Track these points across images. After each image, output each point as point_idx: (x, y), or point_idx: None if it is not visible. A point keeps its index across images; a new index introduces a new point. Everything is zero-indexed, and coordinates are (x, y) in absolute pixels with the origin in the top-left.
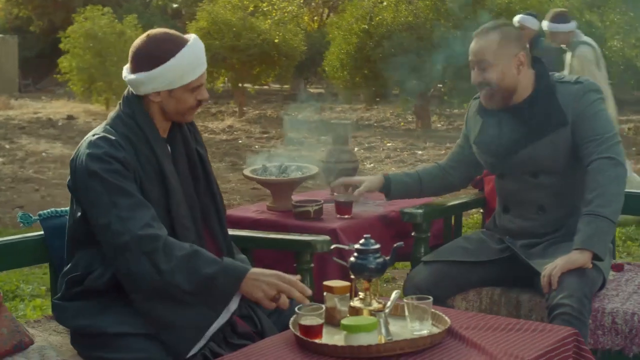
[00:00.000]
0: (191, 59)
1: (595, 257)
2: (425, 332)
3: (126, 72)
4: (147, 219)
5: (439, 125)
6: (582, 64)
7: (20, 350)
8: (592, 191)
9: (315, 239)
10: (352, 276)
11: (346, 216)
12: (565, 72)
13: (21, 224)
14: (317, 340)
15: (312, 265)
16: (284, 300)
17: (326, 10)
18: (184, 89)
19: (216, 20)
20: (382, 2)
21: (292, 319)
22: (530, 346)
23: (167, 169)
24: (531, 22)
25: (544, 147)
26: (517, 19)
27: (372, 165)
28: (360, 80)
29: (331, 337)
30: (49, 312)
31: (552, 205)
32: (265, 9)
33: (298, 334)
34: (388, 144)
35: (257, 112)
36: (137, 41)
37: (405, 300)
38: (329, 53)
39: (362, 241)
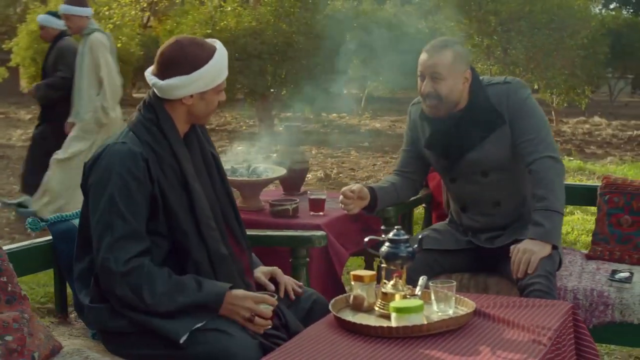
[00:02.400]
0: (222, 62)
1: (553, 247)
2: (451, 313)
3: (155, 79)
4: (135, 252)
5: (280, 128)
6: (97, 49)
7: (55, 354)
8: (543, 188)
9: (313, 234)
10: (384, 264)
11: (320, 213)
12: (79, 58)
13: (29, 230)
14: (370, 324)
15: (308, 259)
16: (258, 322)
17: (147, 14)
18: (214, 91)
19: None
20: (222, 8)
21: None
22: (547, 318)
23: (189, 172)
24: (55, 23)
25: (488, 147)
26: (41, 18)
27: None
28: None
29: (367, 320)
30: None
31: (506, 199)
32: (106, 13)
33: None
34: (239, 148)
35: None
36: (167, 49)
37: (431, 285)
38: None
39: (393, 232)
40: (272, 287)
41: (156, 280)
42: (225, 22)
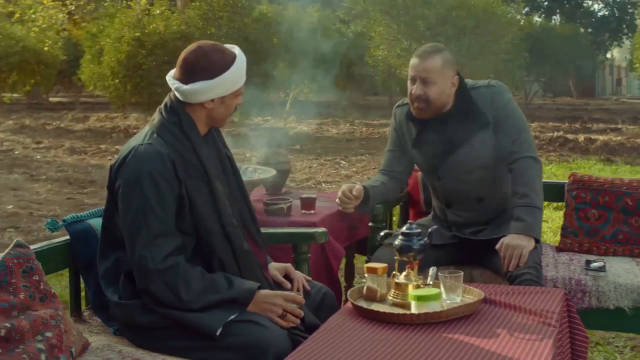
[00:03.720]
0: (242, 67)
1: (536, 240)
2: (459, 301)
3: (178, 84)
4: (171, 249)
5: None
6: None
7: (85, 350)
8: (525, 185)
9: (316, 231)
10: (397, 256)
11: (311, 211)
12: None
13: (48, 230)
14: (390, 311)
15: (309, 255)
16: (290, 319)
17: (60, 16)
18: (233, 96)
19: None
20: (148, 12)
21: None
22: (547, 303)
23: (212, 173)
24: None
25: (474, 147)
26: None
27: None
28: (132, 89)
29: (385, 309)
30: None
31: (489, 195)
32: (32, 16)
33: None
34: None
35: (11, 122)
36: (190, 54)
37: (440, 275)
38: (84, 61)
39: (406, 226)
40: (288, 285)
41: (191, 278)
42: (154, 25)
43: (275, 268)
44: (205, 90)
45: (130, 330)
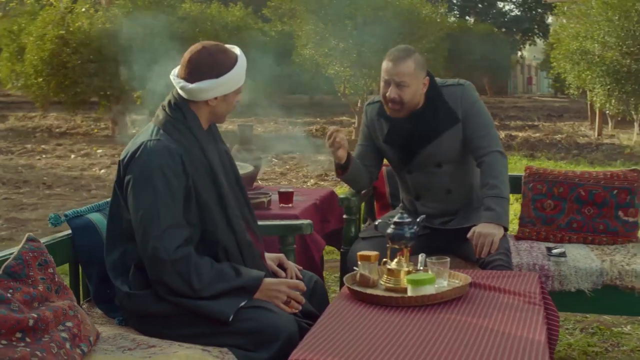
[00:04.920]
0: (243, 67)
1: (504, 229)
2: (446, 285)
3: (183, 82)
4: (182, 240)
5: (133, 131)
6: None
7: (98, 339)
8: (494, 178)
9: (302, 222)
10: (389, 244)
11: (289, 205)
12: None
13: (51, 225)
14: (386, 294)
15: (295, 246)
16: (294, 305)
17: None
18: (235, 93)
19: None
20: (74, 9)
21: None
22: (526, 285)
23: (216, 167)
24: None
25: (443, 142)
26: None
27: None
28: (55, 87)
29: (379, 293)
30: None
31: (456, 187)
32: None
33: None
34: (99, 151)
35: None
36: (195, 54)
37: (428, 261)
38: (1, 59)
39: (398, 216)
40: (283, 274)
41: (202, 267)
42: (79, 23)
43: (269, 258)
44: (210, 88)
45: (139, 320)
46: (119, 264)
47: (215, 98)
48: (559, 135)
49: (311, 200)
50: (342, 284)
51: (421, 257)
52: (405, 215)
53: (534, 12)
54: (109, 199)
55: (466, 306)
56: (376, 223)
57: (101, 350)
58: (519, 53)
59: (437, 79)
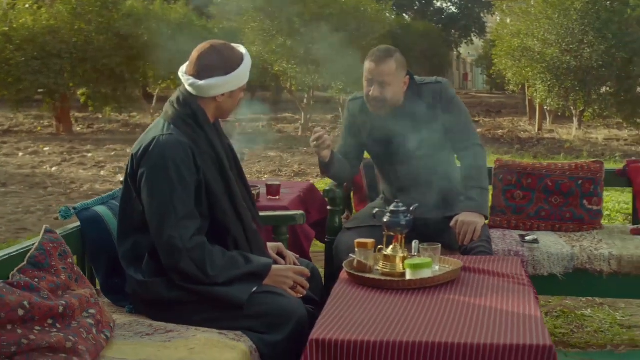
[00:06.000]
0: (249, 64)
1: (485, 217)
2: (437, 269)
3: (192, 79)
4: (195, 230)
5: (78, 128)
6: None
7: (115, 326)
8: (474, 170)
9: (296, 213)
10: (385, 232)
11: (277, 197)
12: None
13: (61, 218)
14: (387, 278)
15: (287, 235)
16: (299, 290)
17: None
18: (240, 90)
19: None
20: (13, 6)
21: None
22: (512, 268)
23: (224, 160)
24: None
25: (424, 136)
26: None
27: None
28: None
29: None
30: None
31: (437, 179)
32: None
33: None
34: (45, 149)
35: None
36: (203, 52)
37: (420, 247)
38: None
39: (394, 205)
40: (282, 262)
41: (214, 255)
42: (22, 19)
43: (269, 247)
44: (219, 85)
45: (152, 307)
46: (130, 253)
47: (223, 94)
48: (501, 131)
49: (295, 193)
50: (327, 274)
51: (415, 243)
52: (400, 204)
53: (471, 10)
54: (111, 192)
55: (462, 288)
56: (374, 212)
57: (120, 336)
58: (455, 50)
59: (416, 77)
